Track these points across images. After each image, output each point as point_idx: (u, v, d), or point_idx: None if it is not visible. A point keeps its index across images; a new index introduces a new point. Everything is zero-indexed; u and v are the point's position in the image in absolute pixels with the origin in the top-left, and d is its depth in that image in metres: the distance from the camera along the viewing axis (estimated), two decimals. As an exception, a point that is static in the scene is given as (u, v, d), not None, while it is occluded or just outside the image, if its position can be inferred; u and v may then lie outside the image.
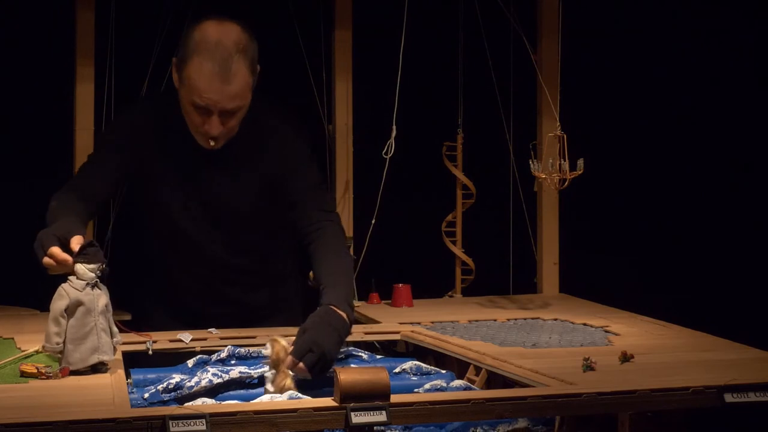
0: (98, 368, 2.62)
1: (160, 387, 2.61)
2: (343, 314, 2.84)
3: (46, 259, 2.65)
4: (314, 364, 2.69)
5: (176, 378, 2.63)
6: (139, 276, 3.45)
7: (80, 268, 2.62)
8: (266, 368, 2.74)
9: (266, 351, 2.74)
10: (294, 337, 2.76)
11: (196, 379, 2.64)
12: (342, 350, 3.05)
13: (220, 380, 2.67)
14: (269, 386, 2.69)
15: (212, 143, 3.12)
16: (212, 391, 2.66)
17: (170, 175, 3.21)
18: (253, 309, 3.37)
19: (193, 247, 3.27)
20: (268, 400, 2.58)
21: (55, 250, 2.64)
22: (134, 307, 3.38)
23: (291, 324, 3.27)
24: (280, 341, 2.73)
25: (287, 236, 3.37)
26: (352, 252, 3.63)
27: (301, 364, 2.68)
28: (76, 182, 3.17)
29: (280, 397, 2.60)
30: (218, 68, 3.03)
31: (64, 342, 2.59)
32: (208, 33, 3.06)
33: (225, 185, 3.22)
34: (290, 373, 2.68)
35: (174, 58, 3.14)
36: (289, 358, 2.69)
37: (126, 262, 3.46)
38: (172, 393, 2.61)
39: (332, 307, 2.84)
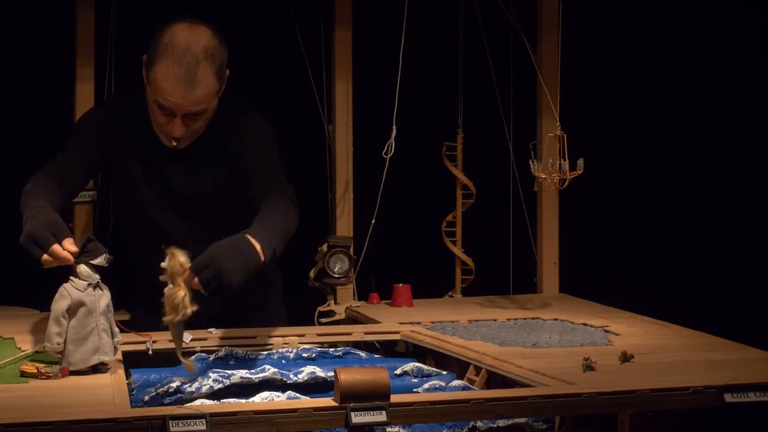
0: (98, 368, 2.63)
1: (160, 390, 2.61)
2: (257, 244, 2.79)
3: (46, 257, 2.64)
4: (209, 281, 2.64)
5: (177, 382, 2.63)
6: (124, 273, 3.43)
7: (84, 269, 2.62)
8: (267, 372, 2.74)
9: (163, 264, 2.66)
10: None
11: (197, 384, 2.64)
12: (339, 349, 3.06)
13: (220, 385, 2.67)
14: (164, 298, 2.64)
15: (174, 143, 3.14)
16: (212, 396, 2.66)
17: (139, 168, 3.23)
18: (236, 298, 3.35)
19: (167, 238, 3.26)
20: (267, 400, 2.59)
21: (57, 248, 2.64)
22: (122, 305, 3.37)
23: (275, 308, 3.33)
24: (178, 255, 2.66)
25: None
26: (352, 252, 3.63)
27: (196, 279, 2.64)
28: (51, 167, 3.16)
29: (280, 396, 2.61)
30: (184, 73, 3.04)
31: (65, 342, 2.59)
32: (177, 36, 3.07)
33: (192, 177, 3.23)
34: (185, 287, 2.63)
35: (144, 55, 3.15)
36: (187, 272, 2.64)
37: (120, 261, 3.46)
38: (173, 396, 2.61)
39: (247, 235, 2.80)
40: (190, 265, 2.65)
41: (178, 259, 2.65)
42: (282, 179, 3.20)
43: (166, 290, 2.64)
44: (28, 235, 2.70)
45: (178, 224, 3.25)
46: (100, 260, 2.62)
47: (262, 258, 2.79)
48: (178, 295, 2.61)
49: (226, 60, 3.14)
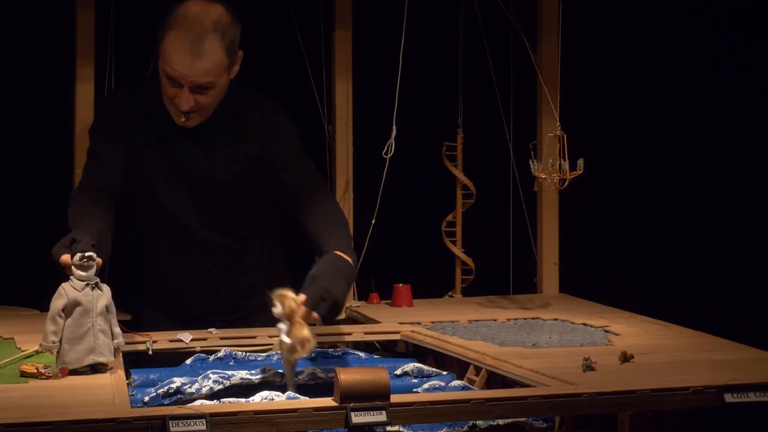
0: (98, 368, 2.62)
1: (160, 391, 2.61)
2: (349, 259, 2.88)
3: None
4: (328, 313, 2.72)
5: (177, 383, 2.63)
6: (133, 270, 3.43)
7: (76, 271, 2.62)
8: (267, 373, 2.74)
9: (276, 309, 2.71)
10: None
11: (197, 385, 2.64)
12: (339, 350, 3.06)
13: (221, 386, 2.67)
14: (286, 339, 2.69)
15: (183, 119, 3.15)
16: (213, 396, 2.66)
17: (153, 155, 3.23)
18: (245, 292, 3.36)
19: (180, 227, 3.26)
20: (266, 400, 2.58)
21: (64, 258, 2.66)
22: (129, 305, 3.37)
23: None
24: (288, 294, 2.71)
25: (273, 212, 3.40)
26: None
27: (315, 314, 2.70)
28: (85, 182, 3.19)
29: (279, 396, 2.60)
30: (190, 43, 3.07)
31: (60, 341, 2.59)
32: (189, 9, 3.12)
33: (209, 164, 3.23)
34: (304, 323, 2.68)
35: (159, 32, 3.17)
36: (302, 308, 2.70)
37: (122, 260, 3.46)
38: (173, 397, 2.61)
39: (337, 252, 2.87)
40: (303, 300, 2.70)
41: (290, 297, 2.71)
42: (316, 173, 3.26)
43: (283, 329, 2.70)
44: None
45: (190, 212, 3.25)
46: (75, 259, 2.62)
47: (355, 269, 2.90)
48: (303, 333, 2.66)
49: (238, 39, 3.16)
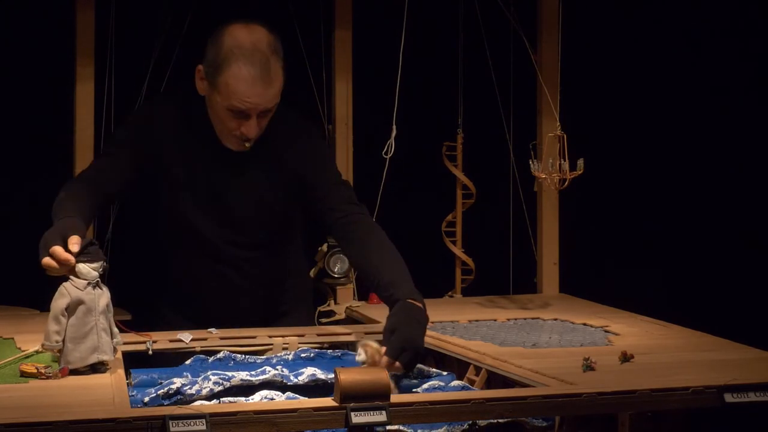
0: (98, 368, 2.62)
1: (160, 392, 2.61)
2: (420, 305, 2.90)
3: (47, 260, 2.64)
4: (410, 362, 2.76)
5: (177, 383, 2.63)
6: (151, 276, 3.43)
7: (83, 267, 2.62)
8: (268, 374, 2.74)
9: (360, 357, 2.76)
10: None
11: (197, 386, 2.63)
12: (338, 350, 3.06)
13: (221, 388, 2.66)
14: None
15: (247, 145, 3.14)
16: (213, 397, 2.65)
17: (187, 174, 3.21)
18: (269, 303, 3.36)
19: (207, 244, 3.26)
20: (266, 400, 2.58)
21: (58, 249, 2.64)
22: (145, 309, 3.36)
23: (296, 320, 3.31)
24: (371, 344, 2.76)
25: (301, 232, 3.42)
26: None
27: (397, 364, 2.74)
28: (86, 174, 3.17)
29: (279, 396, 2.60)
30: (259, 72, 3.05)
31: (63, 341, 2.59)
32: (240, 38, 3.08)
33: (246, 186, 3.22)
34: (387, 372, 2.70)
35: (200, 66, 3.13)
36: (385, 358, 2.74)
37: (127, 261, 3.46)
38: (173, 398, 2.60)
39: (410, 300, 2.90)
40: (385, 351, 2.75)
41: (374, 347, 2.75)
42: (354, 198, 3.26)
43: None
44: (42, 239, 2.70)
45: (219, 231, 3.24)
46: (95, 266, 2.62)
47: (426, 312, 2.91)
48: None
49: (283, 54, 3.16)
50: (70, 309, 2.60)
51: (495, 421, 2.53)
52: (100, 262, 2.62)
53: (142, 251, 3.45)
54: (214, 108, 3.12)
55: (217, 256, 3.28)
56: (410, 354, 2.76)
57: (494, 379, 2.80)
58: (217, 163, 3.20)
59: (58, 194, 3.00)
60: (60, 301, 2.60)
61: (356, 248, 3.12)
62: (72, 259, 2.62)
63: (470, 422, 2.52)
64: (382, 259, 3.04)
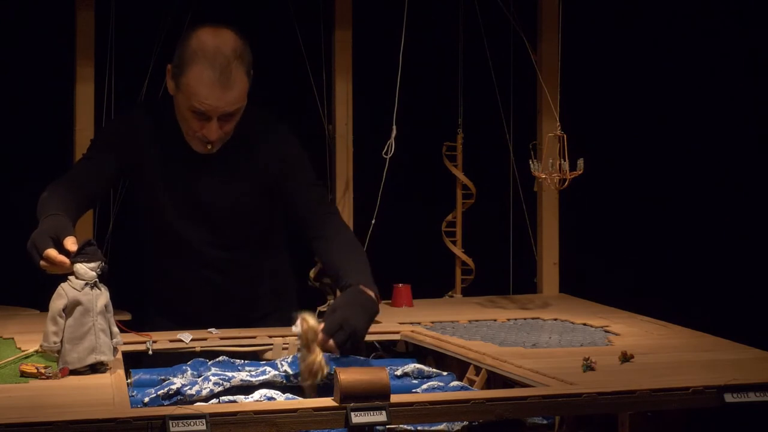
0: (98, 368, 2.62)
1: (160, 393, 2.61)
2: (371, 293, 2.92)
3: (43, 263, 2.66)
4: (344, 342, 2.77)
5: (177, 384, 2.63)
6: (139, 277, 3.45)
7: (80, 267, 2.62)
8: (268, 375, 2.75)
9: (295, 329, 2.76)
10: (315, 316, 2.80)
11: (197, 387, 2.63)
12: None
13: (221, 388, 2.66)
14: (300, 364, 2.72)
15: (209, 147, 3.16)
16: (213, 398, 2.65)
17: (163, 177, 3.24)
18: (252, 303, 3.38)
19: (187, 246, 3.28)
20: (265, 398, 2.59)
21: (51, 252, 2.65)
22: (135, 311, 3.37)
23: (285, 319, 3.27)
24: (308, 320, 2.75)
25: (281, 231, 3.43)
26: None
27: (331, 342, 2.75)
28: (69, 175, 3.19)
29: (279, 396, 2.61)
30: (218, 75, 3.07)
31: (61, 341, 2.59)
32: (205, 41, 3.10)
33: (220, 188, 3.25)
34: (320, 351, 2.72)
35: (169, 65, 3.16)
36: (320, 335, 2.74)
37: (126, 262, 3.46)
38: (173, 398, 2.60)
39: (361, 287, 2.92)
40: (322, 328, 2.75)
41: (310, 323, 2.74)
42: (327, 199, 3.33)
43: (300, 356, 2.75)
44: (30, 242, 2.73)
45: (197, 232, 3.27)
46: (93, 266, 2.62)
47: (377, 303, 2.93)
48: (316, 360, 2.71)
49: (251, 59, 3.16)
50: (68, 310, 2.60)
51: (495, 419, 2.53)
52: (98, 262, 2.63)
53: (132, 253, 3.46)
54: (179, 108, 3.16)
55: (198, 258, 3.30)
56: (345, 334, 2.76)
57: (494, 379, 2.80)
58: (191, 164, 3.23)
59: (40, 194, 3.02)
60: (57, 302, 2.60)
61: (323, 245, 3.16)
62: (66, 261, 2.63)
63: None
64: (346, 256, 3.09)
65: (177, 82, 3.12)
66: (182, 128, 3.18)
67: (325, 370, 2.70)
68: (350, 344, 2.79)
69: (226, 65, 3.07)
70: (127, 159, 3.23)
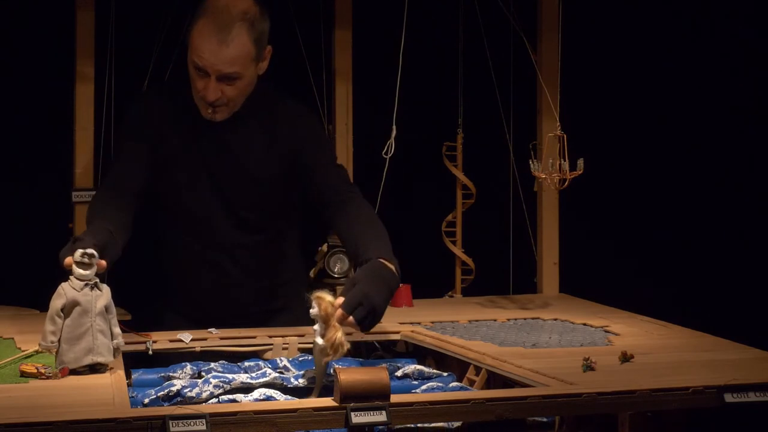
0: (97, 368, 2.62)
1: (161, 394, 2.61)
2: (392, 267, 2.86)
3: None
4: (364, 318, 2.70)
5: (177, 385, 2.63)
6: (149, 273, 3.43)
7: (76, 270, 2.62)
8: (268, 377, 2.74)
9: (313, 310, 2.72)
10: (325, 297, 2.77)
11: (197, 389, 2.63)
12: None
13: (221, 390, 2.66)
14: (319, 340, 2.69)
15: (209, 110, 3.15)
16: (213, 398, 2.66)
17: (181, 154, 3.23)
18: (265, 297, 3.36)
19: (202, 226, 3.26)
20: (264, 397, 2.59)
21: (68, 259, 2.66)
22: (142, 306, 3.36)
23: (295, 316, 3.27)
24: (325, 297, 2.71)
25: (296, 217, 3.41)
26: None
27: (351, 318, 2.69)
28: (107, 182, 3.20)
29: (279, 396, 2.61)
30: (217, 30, 3.09)
31: (59, 341, 2.59)
32: (219, 0, 3.13)
33: (238, 164, 3.23)
34: (339, 326, 2.68)
35: (187, 24, 3.20)
36: (339, 311, 2.69)
37: (130, 261, 3.46)
38: (173, 400, 2.61)
39: (381, 260, 2.85)
40: (340, 303, 2.69)
41: (327, 300, 2.70)
42: (348, 178, 3.30)
43: (318, 330, 2.71)
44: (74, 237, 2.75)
45: (214, 211, 3.25)
46: (76, 256, 2.61)
47: (398, 277, 2.87)
48: (337, 336, 2.66)
49: (267, 33, 3.17)
50: (66, 310, 2.60)
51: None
52: (79, 251, 2.61)
53: (140, 243, 3.44)
54: (189, 68, 3.17)
55: (211, 240, 3.27)
56: (365, 310, 2.70)
57: (494, 379, 2.80)
58: (212, 142, 3.22)
59: (88, 208, 3.06)
60: (56, 301, 2.60)
61: (344, 222, 3.11)
62: (70, 261, 2.63)
63: None
64: (366, 230, 3.03)
65: (187, 38, 3.15)
66: (192, 91, 3.19)
67: (346, 347, 2.66)
68: (370, 319, 2.71)
69: (229, 22, 3.09)
70: (154, 141, 3.22)
